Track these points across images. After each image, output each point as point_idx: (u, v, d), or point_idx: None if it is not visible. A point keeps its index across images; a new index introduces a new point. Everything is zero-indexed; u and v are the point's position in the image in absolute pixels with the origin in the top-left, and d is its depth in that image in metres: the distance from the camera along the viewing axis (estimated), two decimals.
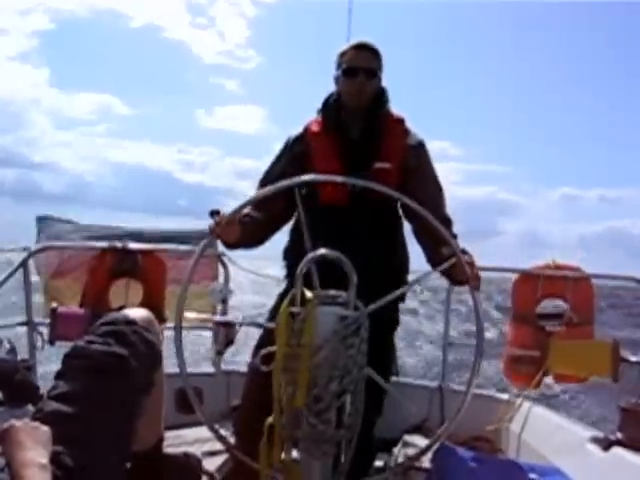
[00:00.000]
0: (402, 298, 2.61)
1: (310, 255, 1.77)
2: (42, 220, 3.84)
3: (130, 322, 1.53)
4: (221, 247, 3.40)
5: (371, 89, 2.49)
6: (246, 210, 2.31)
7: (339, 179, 2.17)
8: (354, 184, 2.11)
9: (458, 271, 2.02)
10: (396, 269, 2.57)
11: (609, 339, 2.99)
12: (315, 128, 2.57)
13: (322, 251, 1.77)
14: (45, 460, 1.12)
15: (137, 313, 1.59)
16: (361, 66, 2.46)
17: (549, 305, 3.26)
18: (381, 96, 2.54)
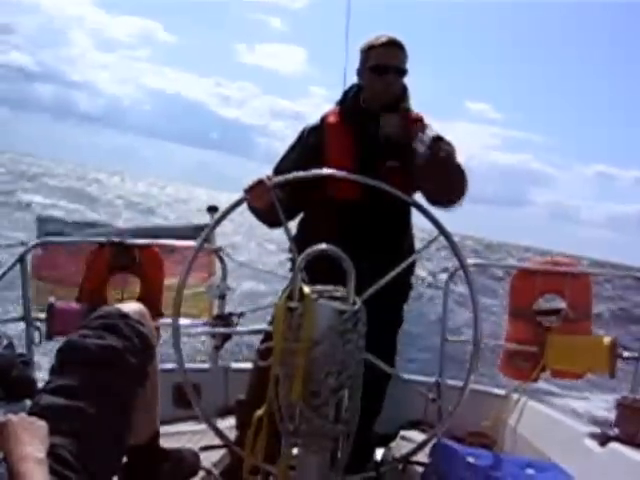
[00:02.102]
0: (405, 298, 2.62)
1: (309, 250, 1.76)
2: (43, 221, 3.83)
3: (123, 315, 1.53)
4: (219, 241, 3.42)
5: (398, 87, 2.46)
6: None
7: (353, 177, 2.16)
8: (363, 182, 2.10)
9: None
10: (403, 270, 2.57)
11: (606, 335, 3.00)
12: (332, 120, 2.54)
13: (322, 246, 1.77)
14: (42, 454, 1.12)
15: (130, 306, 1.60)
16: (392, 64, 2.43)
17: (547, 301, 3.27)
18: (402, 93, 2.51)
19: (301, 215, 2.58)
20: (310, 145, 2.51)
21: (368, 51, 2.49)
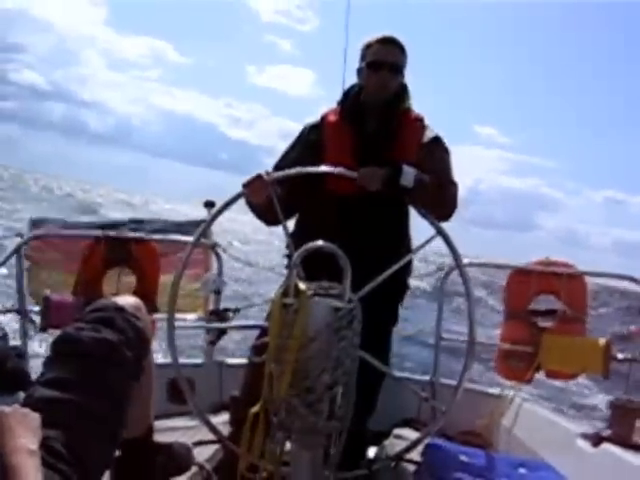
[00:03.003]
0: (401, 297, 2.62)
1: (305, 247, 1.77)
2: (36, 222, 3.80)
3: (119, 309, 1.52)
4: (215, 237, 3.42)
5: (394, 84, 2.47)
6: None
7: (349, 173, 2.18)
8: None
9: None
10: (400, 271, 2.58)
11: (601, 336, 3.01)
12: (332, 118, 2.56)
13: (318, 243, 1.77)
14: (35, 446, 1.12)
15: (126, 300, 1.59)
16: (387, 60, 2.44)
17: (542, 301, 3.27)
18: (402, 92, 2.52)
19: (299, 212, 2.59)
20: (310, 143, 2.52)
21: (366, 49, 2.51)
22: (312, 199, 2.47)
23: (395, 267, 2.04)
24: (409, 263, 2.61)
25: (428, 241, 2.17)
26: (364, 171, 2.21)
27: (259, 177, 2.17)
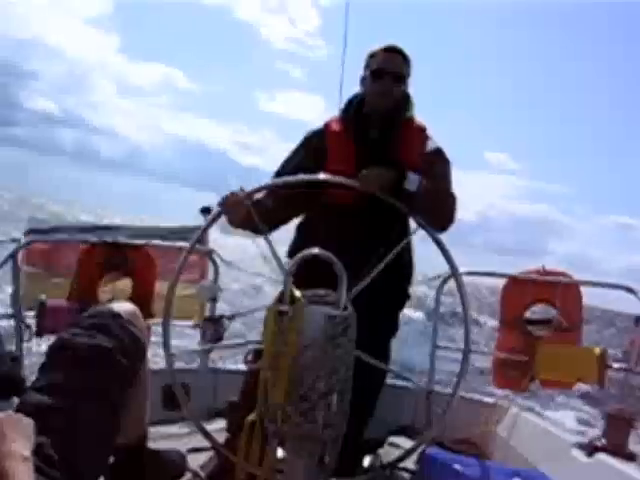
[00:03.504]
0: (401, 306, 2.63)
1: (300, 254, 1.77)
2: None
3: (115, 315, 1.52)
4: (212, 244, 3.41)
5: (397, 93, 2.48)
6: (259, 195, 2.33)
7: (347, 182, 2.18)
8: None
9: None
10: (402, 281, 2.58)
11: (596, 346, 3.01)
12: (335, 126, 2.56)
13: (314, 250, 1.77)
14: (28, 452, 1.12)
15: (122, 306, 1.59)
16: (389, 69, 2.45)
17: (537, 310, 3.27)
18: (405, 102, 2.53)
19: (299, 220, 2.60)
20: (312, 150, 2.53)
21: (370, 58, 2.53)
22: (311, 208, 2.48)
23: (387, 258, 2.07)
24: (410, 272, 2.62)
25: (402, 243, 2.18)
26: (368, 172, 2.22)
27: (232, 194, 2.18)
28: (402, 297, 2.63)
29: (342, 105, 2.65)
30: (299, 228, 2.61)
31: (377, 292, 2.01)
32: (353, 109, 2.57)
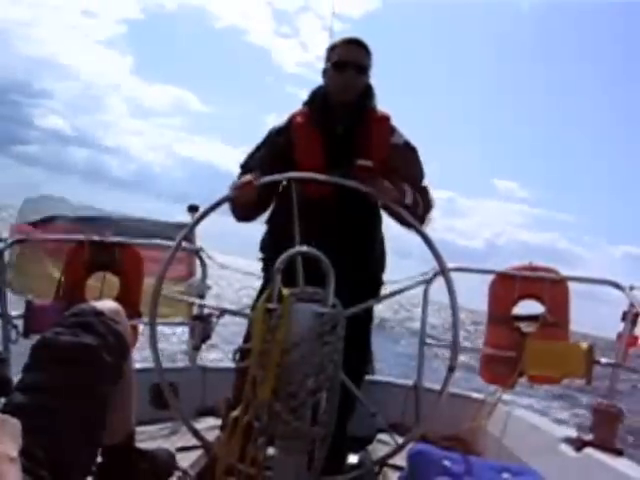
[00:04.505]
0: (375, 294, 2.64)
1: (288, 252, 1.77)
2: (29, 201, 3.73)
3: (98, 313, 1.52)
4: (199, 242, 3.40)
5: (360, 84, 2.49)
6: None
7: (321, 177, 2.19)
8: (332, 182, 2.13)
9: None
10: (374, 265, 2.60)
11: (584, 341, 3.02)
12: (300, 120, 2.56)
13: (303, 248, 1.77)
14: (15, 453, 1.11)
15: (105, 304, 1.59)
16: (352, 61, 2.46)
17: (525, 306, 3.28)
18: (368, 92, 2.54)
19: (268, 214, 2.61)
20: (278, 145, 2.53)
21: (331, 50, 2.54)
22: (283, 200, 2.48)
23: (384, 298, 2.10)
24: (383, 257, 2.64)
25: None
26: (387, 184, 2.24)
27: (249, 182, 2.19)
28: (375, 285, 2.65)
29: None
30: (270, 220, 2.62)
31: (350, 283, 2.02)
32: (318, 102, 2.57)
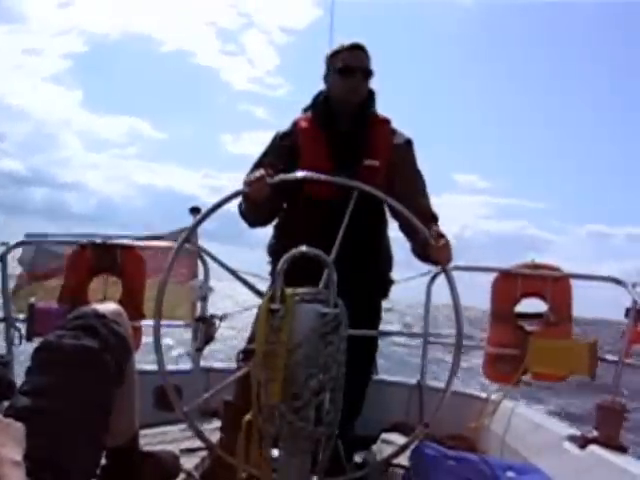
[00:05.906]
0: (385, 293, 2.64)
1: (290, 253, 1.76)
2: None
3: (99, 315, 1.52)
4: (201, 243, 3.39)
5: (365, 89, 2.52)
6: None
7: (338, 180, 2.17)
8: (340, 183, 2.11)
9: (434, 253, 2.12)
10: (382, 264, 2.60)
11: (587, 338, 3.02)
12: (304, 124, 2.58)
13: (303, 248, 1.77)
14: (19, 457, 1.11)
15: (107, 307, 1.59)
16: (358, 66, 2.49)
17: (528, 304, 3.28)
18: (370, 96, 2.57)
19: (278, 216, 2.61)
20: (284, 149, 2.54)
21: (334, 56, 2.56)
22: (293, 203, 2.49)
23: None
24: (390, 260, 2.65)
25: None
26: (446, 243, 2.19)
27: (263, 178, 2.13)
28: (384, 284, 2.65)
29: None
30: (280, 224, 2.62)
31: (358, 282, 2.02)
32: (321, 106, 2.58)
